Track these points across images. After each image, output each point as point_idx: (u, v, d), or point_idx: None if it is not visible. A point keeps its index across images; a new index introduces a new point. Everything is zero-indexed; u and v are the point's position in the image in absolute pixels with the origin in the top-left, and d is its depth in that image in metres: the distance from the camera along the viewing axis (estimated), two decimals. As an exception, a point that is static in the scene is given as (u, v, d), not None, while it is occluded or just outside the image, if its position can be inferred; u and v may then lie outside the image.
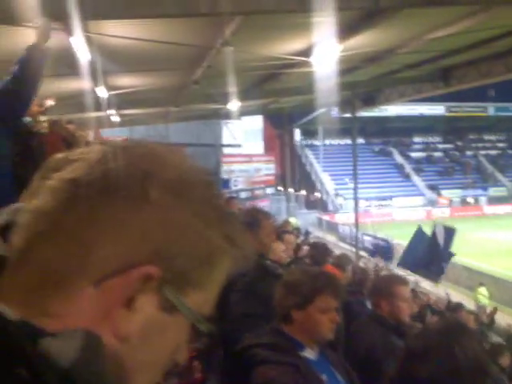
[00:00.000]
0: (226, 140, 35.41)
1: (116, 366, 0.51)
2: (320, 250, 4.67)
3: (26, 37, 6.50)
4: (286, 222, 9.31)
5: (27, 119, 4.19)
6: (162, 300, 0.52)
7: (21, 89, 2.69)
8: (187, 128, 31.37)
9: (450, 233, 13.20)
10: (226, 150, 34.82)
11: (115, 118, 15.38)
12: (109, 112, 13.82)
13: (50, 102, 4.53)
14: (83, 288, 0.50)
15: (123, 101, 12.99)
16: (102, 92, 10.80)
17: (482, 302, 14.93)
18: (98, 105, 11.67)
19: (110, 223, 0.50)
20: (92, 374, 0.46)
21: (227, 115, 19.00)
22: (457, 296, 15.02)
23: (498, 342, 8.93)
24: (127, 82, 11.26)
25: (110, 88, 11.07)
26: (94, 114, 12.92)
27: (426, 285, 15.00)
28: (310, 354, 2.12)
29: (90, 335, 0.48)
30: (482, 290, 15.41)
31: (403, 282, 3.33)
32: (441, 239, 13.00)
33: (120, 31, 7.10)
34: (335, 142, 43.77)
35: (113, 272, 0.50)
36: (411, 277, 14.34)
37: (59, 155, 1.32)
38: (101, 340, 0.48)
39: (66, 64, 7.72)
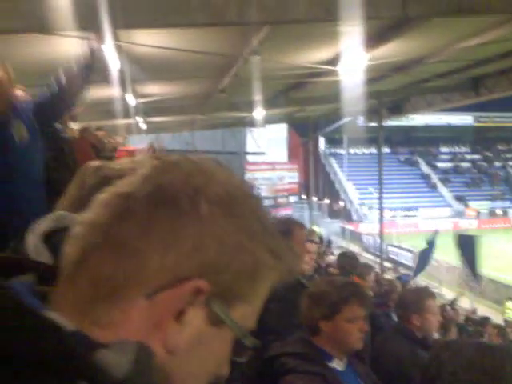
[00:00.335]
0: (250, 148, 35.56)
1: (163, 378, 0.52)
2: (349, 260, 4.62)
3: (58, 46, 6.71)
4: (311, 231, 9.25)
5: (58, 125, 4.29)
6: (209, 313, 0.53)
7: (61, 98, 2.77)
8: (212, 135, 31.63)
9: (470, 240, 13.47)
10: (250, 158, 34.96)
11: (142, 126, 15.62)
12: (136, 119, 14.05)
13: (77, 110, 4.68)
14: (135, 299, 0.51)
15: (150, 108, 13.18)
16: (130, 99, 10.98)
17: (510, 316, 14.56)
18: (127, 112, 11.87)
19: (162, 237, 0.51)
20: None
21: (252, 123, 19.07)
22: (483, 309, 14.74)
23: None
24: (155, 89, 11.43)
25: (137, 96, 11.25)
26: (122, 121, 13.14)
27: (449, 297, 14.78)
28: (337, 364, 2.12)
29: (143, 347, 0.48)
30: (511, 305, 15.03)
31: (432, 295, 3.31)
32: (465, 248, 13.40)
33: (149, 40, 7.22)
34: (360, 150, 43.47)
35: (165, 285, 0.51)
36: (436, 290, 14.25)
37: (95, 163, 1.34)
38: (152, 352, 0.49)
39: (97, 72, 7.88)
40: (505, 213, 38.67)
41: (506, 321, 13.80)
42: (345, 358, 2.16)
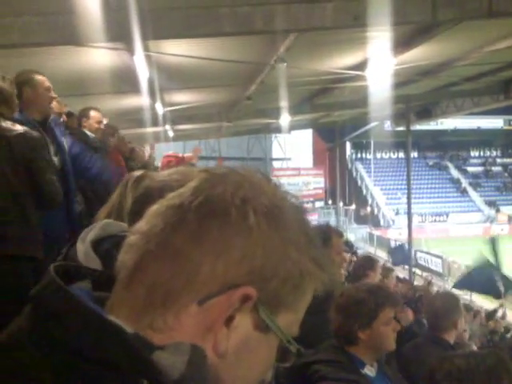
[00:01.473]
0: (275, 154, 35.62)
1: (214, 381, 0.54)
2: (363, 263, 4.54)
3: (86, 56, 6.87)
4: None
5: (92, 135, 4.42)
6: (256, 320, 0.55)
7: None
8: (238, 142, 31.79)
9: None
10: (275, 164, 35.03)
11: (170, 133, 15.84)
12: (164, 127, 14.26)
13: (104, 121, 4.86)
14: (188, 305, 0.54)
15: (178, 116, 13.34)
16: (159, 108, 11.15)
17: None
18: (155, 120, 12.06)
19: (214, 245, 0.54)
20: None
21: (278, 129, 19.09)
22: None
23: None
24: (182, 98, 11.56)
25: (166, 104, 11.41)
26: (151, 130, 13.34)
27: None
28: (369, 370, 2.12)
29: (196, 349, 0.51)
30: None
31: (459, 300, 3.29)
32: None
33: (177, 49, 7.33)
34: (387, 155, 42.98)
35: (215, 291, 0.53)
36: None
37: (137, 174, 1.39)
38: (206, 354, 0.52)
39: (127, 82, 8.05)
40: (538, 218, 37.58)
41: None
42: (376, 363, 2.16)
